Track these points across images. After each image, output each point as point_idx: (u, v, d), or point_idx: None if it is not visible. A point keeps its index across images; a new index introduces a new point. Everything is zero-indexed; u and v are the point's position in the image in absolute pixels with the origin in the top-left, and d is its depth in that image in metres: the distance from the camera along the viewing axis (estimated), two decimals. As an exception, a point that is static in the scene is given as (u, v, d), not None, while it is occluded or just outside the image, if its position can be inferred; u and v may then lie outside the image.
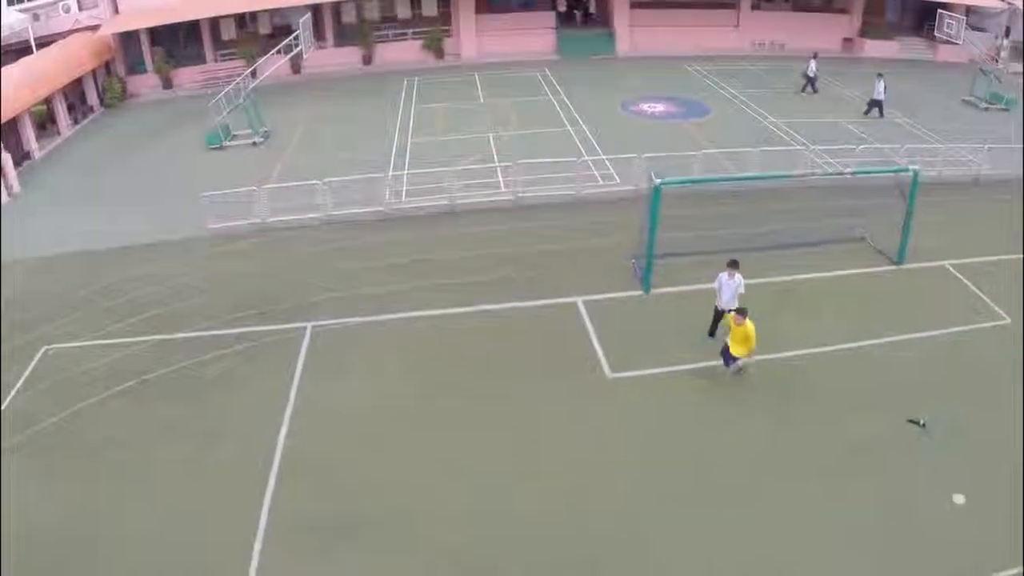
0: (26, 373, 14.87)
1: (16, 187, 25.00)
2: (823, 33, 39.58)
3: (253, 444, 12.52)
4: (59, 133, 30.73)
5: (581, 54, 38.05)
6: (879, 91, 28.46)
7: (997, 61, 36.78)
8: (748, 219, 18.86)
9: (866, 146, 24.52)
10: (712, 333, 14.67)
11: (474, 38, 38.63)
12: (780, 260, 17.06)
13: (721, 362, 13.69)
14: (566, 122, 28.29)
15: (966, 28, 38.72)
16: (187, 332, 15.76)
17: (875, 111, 28.70)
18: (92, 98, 34.02)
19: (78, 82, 32.82)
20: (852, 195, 20.27)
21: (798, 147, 24.31)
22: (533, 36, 38.77)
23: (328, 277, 17.63)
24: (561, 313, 15.90)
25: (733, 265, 14.25)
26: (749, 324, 12.92)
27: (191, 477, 11.98)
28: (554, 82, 33.85)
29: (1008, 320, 15.78)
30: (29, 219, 22.20)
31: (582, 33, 40.01)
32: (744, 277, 14.24)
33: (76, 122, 32.20)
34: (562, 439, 12.57)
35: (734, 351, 13.26)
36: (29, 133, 28.36)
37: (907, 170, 16.78)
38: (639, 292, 14.31)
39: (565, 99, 31.22)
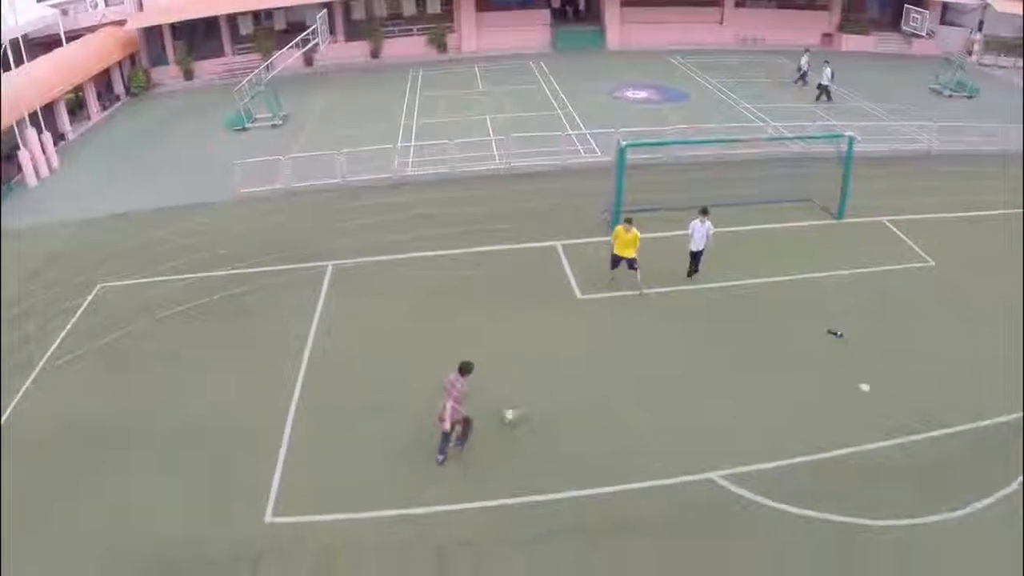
0: (83, 305, 17.46)
1: (55, 162, 27.70)
2: (804, 29, 42.05)
3: (285, 348, 15.13)
4: (89, 118, 33.41)
5: (573, 48, 40.69)
6: (826, 76, 31.02)
7: (971, 54, 39.40)
8: (709, 184, 21.39)
9: (822, 123, 27.07)
10: (690, 274, 17.14)
11: (474, 33, 41.28)
12: (735, 215, 19.55)
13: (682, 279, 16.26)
14: (556, 106, 30.93)
15: (943, 24, 41.44)
16: (224, 271, 18.38)
17: (824, 96, 31.20)
18: (118, 87, 36.74)
19: (106, 72, 35.50)
20: (802, 165, 22.73)
21: (759, 123, 26.89)
22: (529, 31, 41.42)
23: (345, 229, 20.27)
24: (542, 254, 18.59)
25: (704, 212, 16.74)
26: (635, 231, 15.82)
27: (233, 373, 14.57)
28: (547, 72, 36.44)
29: (932, 263, 18.32)
30: (70, 188, 24.88)
31: (574, 29, 42.63)
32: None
33: (104, 108, 34.90)
34: (537, 339, 15.29)
35: (623, 253, 16.01)
36: (64, 117, 31.05)
37: (841, 136, 19.33)
38: (608, 237, 16.92)
39: (557, 87, 33.82)
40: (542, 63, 38.29)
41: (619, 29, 41.67)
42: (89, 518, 11.34)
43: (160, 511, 11.40)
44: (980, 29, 40.65)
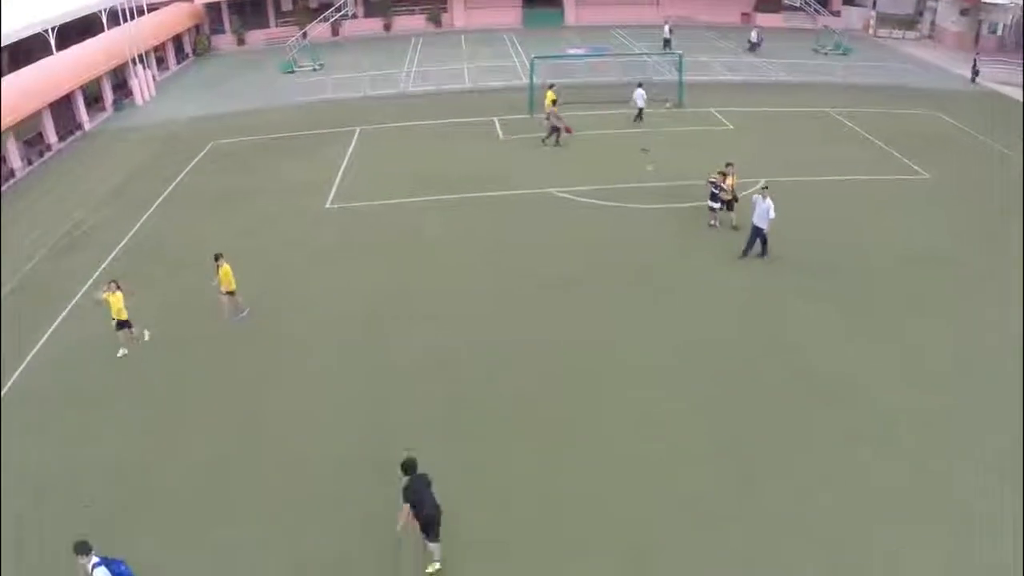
0: (205, 150, 28.78)
1: (154, 91, 39.12)
2: (726, 9, 53.09)
3: (329, 163, 26.53)
4: (168, 68, 44.80)
5: (538, 25, 52.03)
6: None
7: (869, 28, 50.47)
8: (605, 95, 32.58)
9: (692, 59, 38.21)
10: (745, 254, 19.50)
11: (463, 13, 52.69)
12: (624, 107, 30.66)
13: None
14: (514, 57, 42.23)
15: (846, 4, 52.17)
16: (290, 132, 29.83)
17: (752, 50, 42.54)
18: (187, 48, 48.19)
19: (178, 36, 46.90)
20: (671, 87, 33.71)
21: (646, 58, 38.24)
22: (505, 12, 52.82)
23: (368, 116, 31.88)
24: (486, 123, 30.17)
25: (765, 188, 19.11)
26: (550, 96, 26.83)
27: (298, 171, 25.92)
28: (515, 40, 47.73)
29: (731, 127, 29.27)
30: (170, 104, 36.44)
31: (540, 10, 53.93)
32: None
33: (179, 62, 46.33)
34: (479, 153, 26.64)
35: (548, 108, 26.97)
36: (154, 65, 42.49)
37: (676, 53, 30.55)
38: (527, 115, 27.90)
39: (519, 48, 45.11)
40: (512, 34, 49.61)
41: (575, 10, 53.03)
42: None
43: (280, 206, 22.72)
44: (875, 6, 51.75)
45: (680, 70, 31.34)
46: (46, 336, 16.75)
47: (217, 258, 16.65)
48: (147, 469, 12.64)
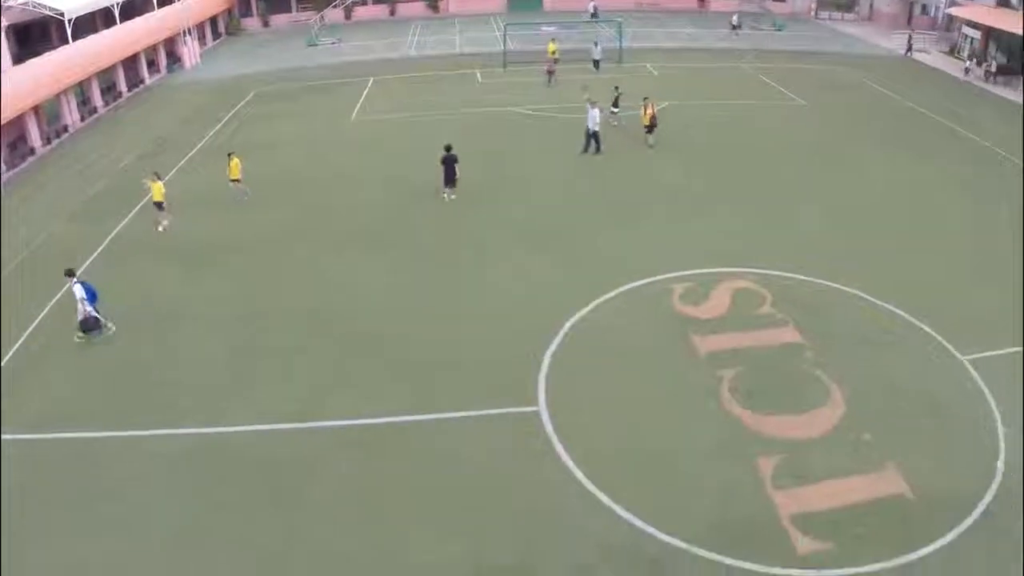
0: (249, 96, 37.28)
1: (198, 58, 47.72)
2: (686, -4, 61.52)
3: (351, 98, 35.20)
4: (207, 43, 53.35)
5: (521, 9, 60.53)
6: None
7: (812, 12, 58.85)
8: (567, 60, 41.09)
9: (635, 31, 46.70)
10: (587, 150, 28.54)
11: (456, 0, 61.25)
12: (585, 65, 39.10)
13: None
14: (497, 33, 50.76)
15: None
16: (315, 82, 38.39)
17: (735, 31, 50.92)
18: (221, 28, 56.79)
19: (214, 17, 55.49)
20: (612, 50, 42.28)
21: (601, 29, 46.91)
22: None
23: (380, 70, 40.55)
24: (468, 73, 38.74)
25: (592, 104, 26.30)
26: (553, 44, 35.28)
27: (328, 102, 34.60)
28: (499, 22, 56.22)
29: (657, 74, 37.65)
30: (214, 67, 45.04)
31: (523, -4, 62.58)
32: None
33: (215, 39, 54.93)
34: (462, 92, 34.99)
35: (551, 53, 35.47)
36: (196, 38, 51.07)
37: (619, 20, 39.03)
38: (501, 68, 36.32)
39: (502, 27, 53.53)
40: (497, 17, 58.17)
41: (553, -4, 61.63)
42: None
43: (317, 120, 31.19)
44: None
45: (620, 35, 39.97)
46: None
47: (229, 155, 23.06)
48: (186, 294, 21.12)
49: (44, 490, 12.06)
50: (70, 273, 16.13)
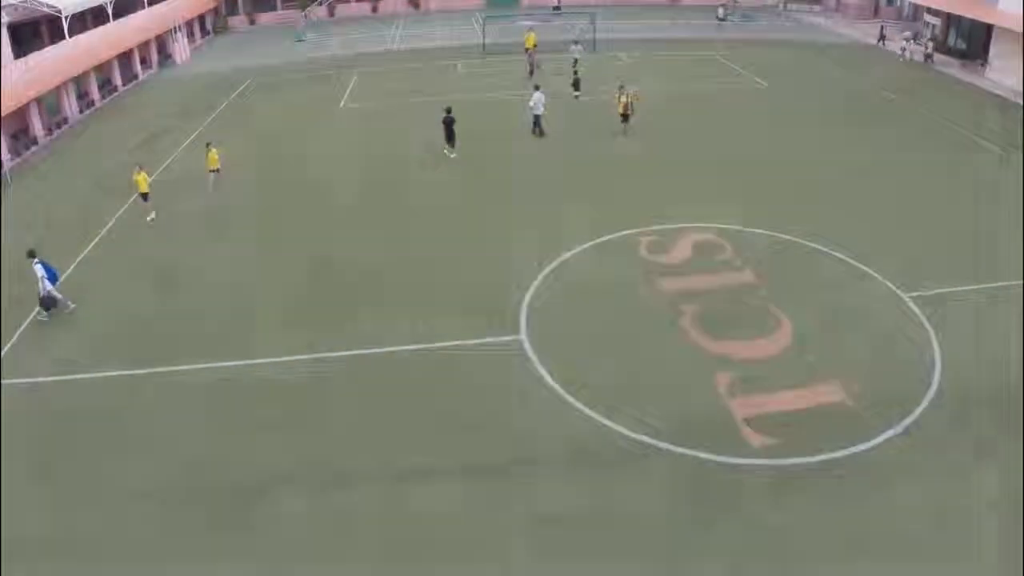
0: (245, 84, 38.75)
1: (189, 54, 49.09)
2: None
3: (340, 86, 36.91)
4: (195, 41, 54.66)
5: (500, 4, 62.27)
6: (721, 12, 53.18)
7: (785, 5, 60.91)
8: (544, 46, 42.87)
9: (611, 24, 48.62)
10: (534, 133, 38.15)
11: (436, -2, 62.99)
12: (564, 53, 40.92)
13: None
14: (476, 27, 52.46)
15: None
16: (305, 74, 39.98)
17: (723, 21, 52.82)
18: (208, 26, 58.11)
19: (201, 15, 56.82)
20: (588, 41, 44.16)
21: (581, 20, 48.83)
22: (472, -4, 63.14)
23: (365, 62, 42.17)
24: (449, 65, 40.40)
25: (536, 88, 29.46)
26: (531, 36, 37.04)
27: (319, 91, 36.27)
28: (479, 18, 57.93)
29: (631, 61, 39.53)
30: (204, 63, 46.45)
31: (502, -6, 64.35)
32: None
33: (203, 36, 56.26)
34: (452, 79, 36.56)
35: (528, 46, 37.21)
36: (186, 35, 52.40)
37: (595, 13, 40.92)
38: (480, 59, 38.00)
39: (481, 23, 55.32)
40: (477, 13, 59.84)
41: (530, -8, 63.40)
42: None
43: (309, 107, 32.79)
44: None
45: (593, 25, 41.87)
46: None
47: (208, 145, 24.09)
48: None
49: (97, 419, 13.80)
50: (31, 254, 16.81)
